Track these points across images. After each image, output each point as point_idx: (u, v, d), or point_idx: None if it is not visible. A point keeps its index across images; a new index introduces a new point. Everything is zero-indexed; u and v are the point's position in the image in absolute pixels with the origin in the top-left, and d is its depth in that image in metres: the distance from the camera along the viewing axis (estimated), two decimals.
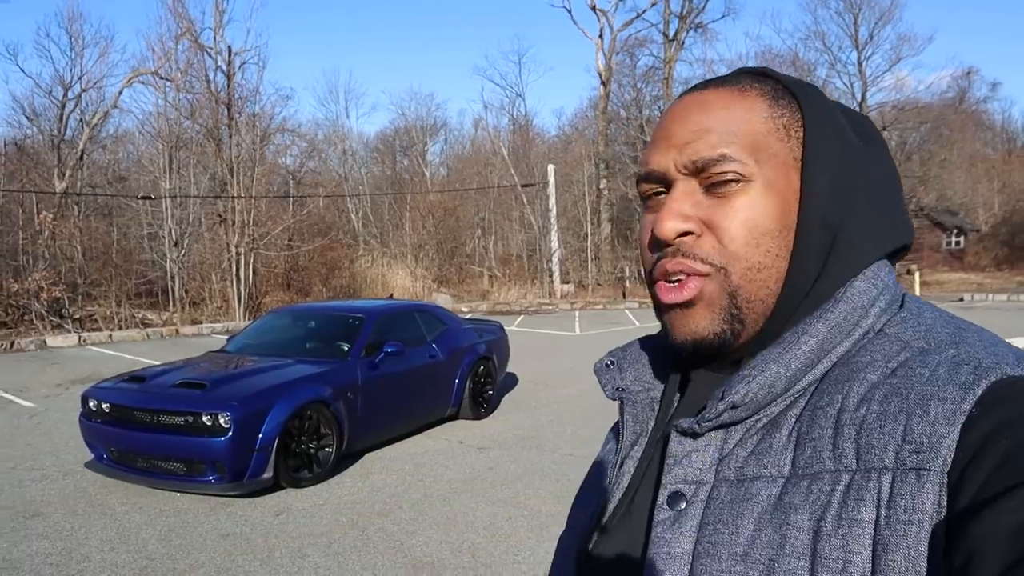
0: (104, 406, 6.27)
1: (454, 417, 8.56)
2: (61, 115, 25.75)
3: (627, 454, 0.80)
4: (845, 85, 36.00)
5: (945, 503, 0.55)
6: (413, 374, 7.71)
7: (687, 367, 0.80)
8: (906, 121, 36.29)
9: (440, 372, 8.17)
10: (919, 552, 0.55)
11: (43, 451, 7.45)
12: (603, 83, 35.84)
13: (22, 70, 31.98)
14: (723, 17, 45.77)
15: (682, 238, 0.72)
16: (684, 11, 35.31)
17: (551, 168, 29.24)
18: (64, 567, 4.71)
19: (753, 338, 0.73)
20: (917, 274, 29.61)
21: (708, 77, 0.80)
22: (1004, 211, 43.13)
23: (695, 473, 0.69)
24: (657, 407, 0.82)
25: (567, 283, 29.18)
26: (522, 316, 21.87)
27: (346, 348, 7.27)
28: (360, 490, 6.22)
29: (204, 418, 5.77)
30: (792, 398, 0.68)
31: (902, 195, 0.78)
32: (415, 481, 6.44)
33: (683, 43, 35.67)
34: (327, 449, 6.46)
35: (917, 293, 27.15)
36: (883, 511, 0.57)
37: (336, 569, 4.67)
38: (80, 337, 16.88)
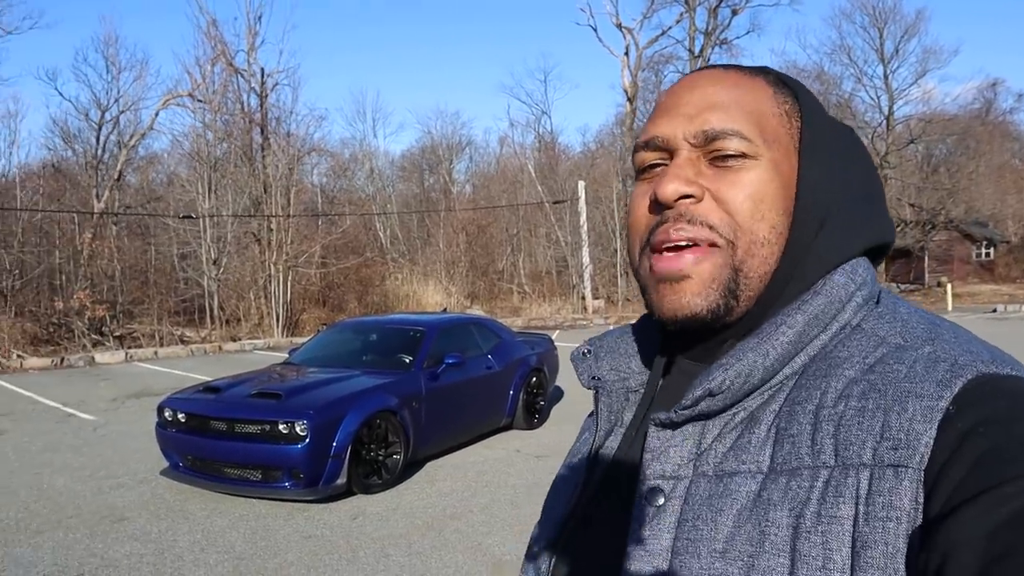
0: (180, 416, 6.51)
1: (508, 427, 8.74)
2: (98, 137, 26.45)
3: (602, 444, 0.80)
4: (872, 98, 36.07)
5: (922, 500, 0.55)
6: (472, 385, 7.91)
7: (669, 352, 0.80)
8: (933, 133, 36.25)
9: (496, 383, 8.37)
10: (897, 549, 0.55)
11: (113, 461, 7.70)
12: (629, 100, 36.10)
13: (60, 94, 32.80)
14: (748, 33, 46.04)
15: (683, 200, 0.71)
16: (709, 28, 35.59)
17: (581, 184, 29.47)
18: (160, 566, 4.93)
19: (742, 318, 0.72)
20: (949, 286, 29.49)
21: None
22: None
23: (673, 468, 0.68)
24: (633, 397, 0.82)
25: (597, 299, 29.33)
26: (558, 331, 22.04)
27: (408, 360, 7.48)
28: (429, 495, 6.41)
29: (281, 426, 5.99)
30: (770, 392, 0.68)
31: (884, 197, 0.79)
32: (480, 487, 6.62)
33: (708, 59, 35.84)
34: (395, 456, 6.66)
35: (950, 306, 27.02)
36: (861, 508, 0.57)
37: (420, 567, 4.86)
38: (127, 354, 17.27)
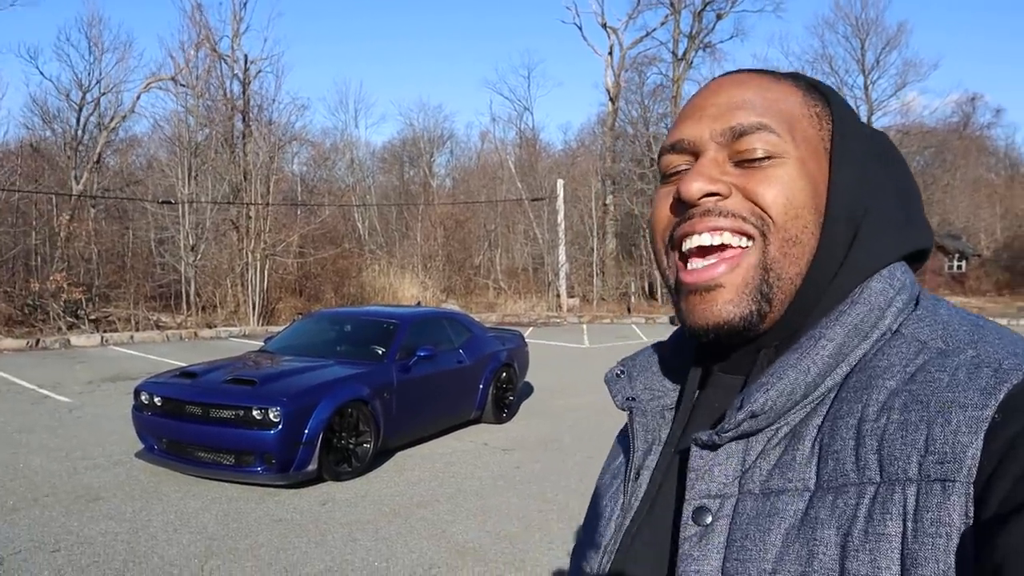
0: (156, 399, 6.67)
1: (477, 421, 8.97)
2: (79, 118, 26.33)
3: (641, 464, 0.79)
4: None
5: (972, 514, 0.54)
6: (442, 377, 8.13)
7: (703, 363, 0.79)
8: (910, 145, 36.92)
9: (466, 376, 8.59)
10: (948, 566, 0.54)
11: (89, 442, 7.83)
12: (611, 100, 36.43)
13: (41, 72, 32.52)
14: (732, 38, 46.63)
15: (708, 198, 0.70)
16: (693, 31, 35.98)
17: (560, 183, 29.72)
18: (134, 544, 5.11)
19: (775, 325, 0.71)
20: None
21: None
22: (1006, 236, 43.62)
23: (718, 487, 0.67)
24: (669, 415, 0.81)
25: (572, 297, 29.63)
26: (531, 328, 22.28)
27: (381, 351, 7.69)
28: (397, 484, 6.63)
29: (255, 412, 6.17)
30: (812, 405, 0.67)
31: (921, 202, 0.78)
32: (448, 477, 6.85)
33: (691, 63, 36.28)
34: (365, 445, 6.87)
35: None
36: (910, 524, 0.56)
37: (385, 552, 5.07)
38: (102, 337, 17.32)
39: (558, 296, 29.19)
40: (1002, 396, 0.57)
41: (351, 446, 6.76)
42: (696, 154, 0.73)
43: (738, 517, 0.65)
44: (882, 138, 0.77)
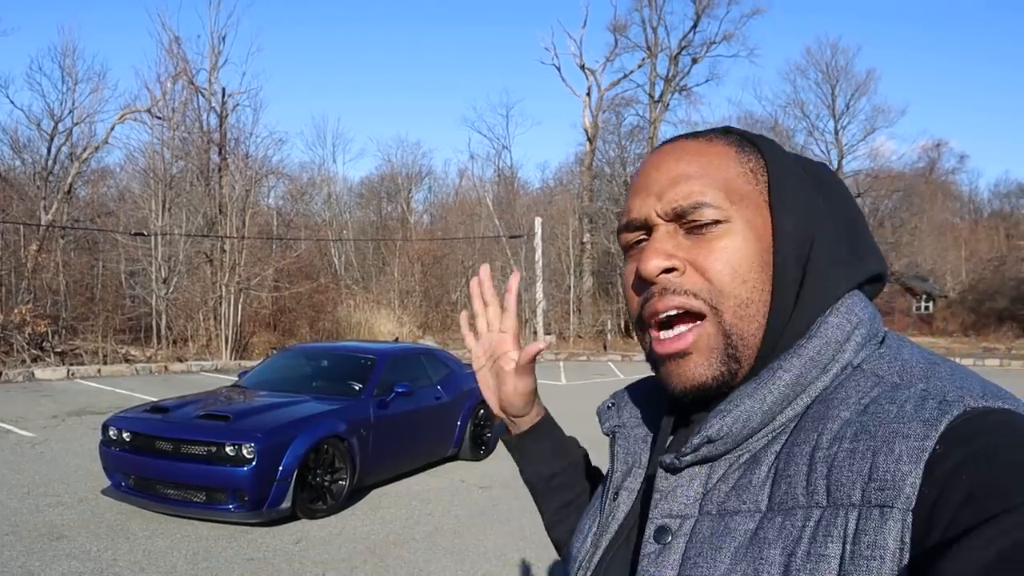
0: (125, 435, 6.48)
1: (454, 457, 8.83)
2: (50, 148, 25.98)
3: (620, 485, 0.83)
4: (823, 152, 37.28)
5: (908, 540, 0.56)
6: (420, 414, 8.00)
7: (687, 409, 0.82)
8: (879, 188, 37.57)
9: (444, 413, 8.46)
10: None
11: (52, 479, 7.59)
12: (589, 139, 36.81)
13: (12, 102, 32.12)
14: (707, 82, 47.38)
15: (666, 275, 0.74)
16: (670, 74, 36.55)
17: (538, 220, 29.78)
18: None
19: (747, 375, 0.74)
20: None
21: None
22: (971, 279, 44.33)
23: (680, 507, 0.71)
24: (649, 440, 0.85)
25: (549, 334, 29.55)
26: None
27: (358, 387, 7.56)
28: (372, 522, 6.46)
29: (228, 448, 6.01)
30: (772, 434, 0.70)
31: (866, 229, 0.81)
32: (424, 515, 6.70)
33: (667, 105, 36.86)
34: (340, 482, 6.71)
35: None
36: (848, 547, 0.58)
37: None
38: (69, 371, 16.93)
39: (535, 333, 29.09)
40: (943, 428, 0.59)
41: (326, 483, 6.60)
42: (649, 229, 0.77)
43: (695, 536, 0.68)
44: (819, 170, 0.81)
